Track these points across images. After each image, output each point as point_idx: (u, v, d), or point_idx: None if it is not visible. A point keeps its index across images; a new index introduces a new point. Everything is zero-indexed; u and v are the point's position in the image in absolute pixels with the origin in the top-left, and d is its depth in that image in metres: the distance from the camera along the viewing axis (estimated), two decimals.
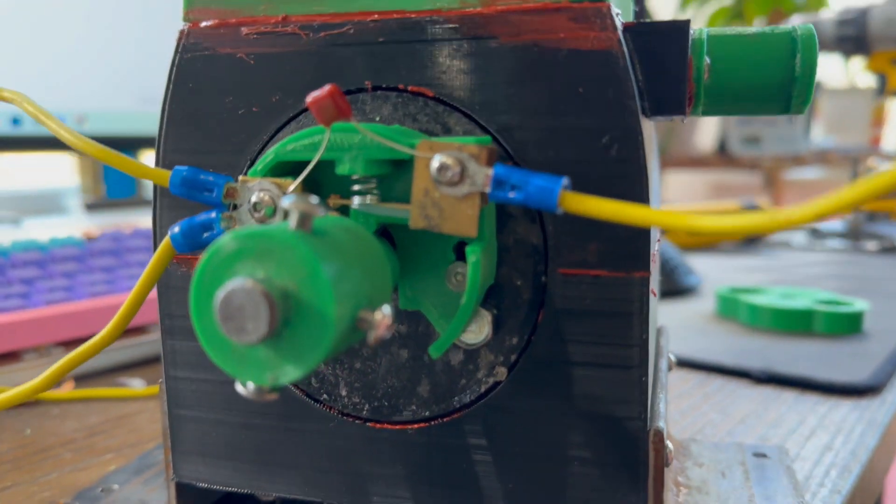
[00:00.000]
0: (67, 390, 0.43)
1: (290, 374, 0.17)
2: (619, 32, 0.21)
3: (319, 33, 0.23)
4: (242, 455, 0.26)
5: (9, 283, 0.47)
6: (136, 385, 0.44)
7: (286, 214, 0.17)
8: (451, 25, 0.22)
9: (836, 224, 1.04)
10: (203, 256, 0.17)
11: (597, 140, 0.21)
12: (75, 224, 0.82)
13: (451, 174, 0.19)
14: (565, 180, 0.19)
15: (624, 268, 0.21)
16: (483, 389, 0.23)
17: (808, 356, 0.47)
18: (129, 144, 0.79)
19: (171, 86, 0.24)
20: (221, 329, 0.16)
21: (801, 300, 0.55)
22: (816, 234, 1.02)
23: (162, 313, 0.26)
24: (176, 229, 0.22)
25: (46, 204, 1.18)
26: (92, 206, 1.09)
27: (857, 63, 1.68)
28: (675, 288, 0.67)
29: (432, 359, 0.21)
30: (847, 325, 0.52)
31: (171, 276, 0.25)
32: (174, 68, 0.24)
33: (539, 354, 0.22)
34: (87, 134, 0.71)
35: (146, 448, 0.35)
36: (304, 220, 0.17)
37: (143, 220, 0.85)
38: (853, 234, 1.00)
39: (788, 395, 0.42)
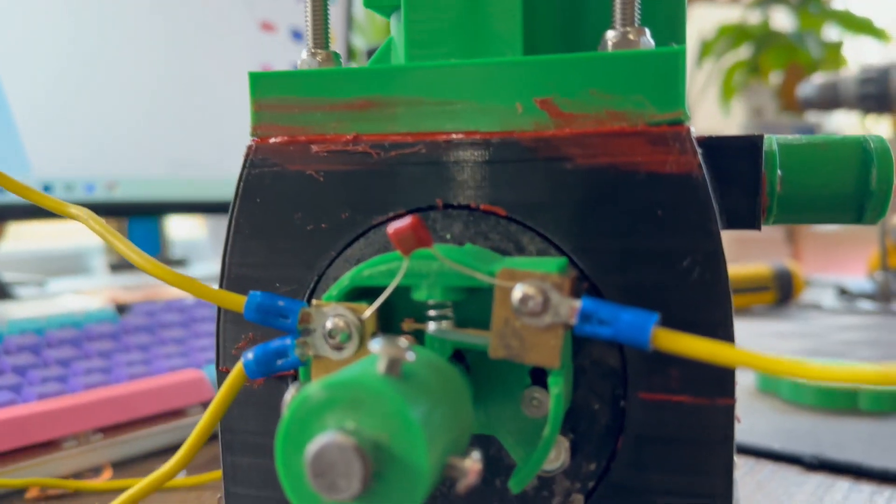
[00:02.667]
0: (107, 478, 0.42)
1: None
2: (699, 157, 0.20)
3: (391, 152, 0.23)
4: None
5: (46, 365, 0.47)
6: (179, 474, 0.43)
7: (362, 342, 0.17)
8: (525, 146, 0.22)
9: (864, 284, 1.03)
10: (290, 405, 0.16)
11: (678, 263, 0.21)
12: (101, 286, 0.82)
13: (534, 305, 0.19)
14: (657, 317, 0.18)
15: (707, 394, 0.21)
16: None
17: (858, 438, 0.46)
18: (158, 209, 0.80)
19: (238, 200, 0.24)
20: (312, 485, 0.16)
21: None
22: (845, 294, 1.01)
23: (222, 427, 0.25)
24: (250, 356, 0.21)
25: (71, 264, 1.19)
26: (116, 267, 1.10)
27: (874, 118, 1.69)
28: None
29: (511, 490, 0.21)
30: (893, 403, 0.51)
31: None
32: (242, 183, 0.24)
33: (618, 481, 0.22)
34: (119, 199, 0.72)
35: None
36: (393, 365, 0.17)
37: (170, 288, 0.84)
38: (883, 296, 0.99)
39: (843, 484, 0.41)
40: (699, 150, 0.21)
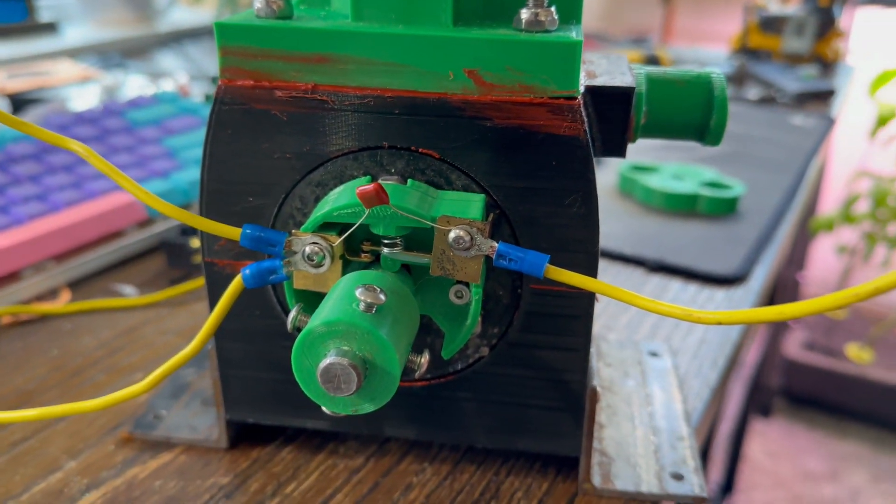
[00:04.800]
0: (65, 301, 0.49)
1: (367, 408, 0.25)
2: (586, 124, 0.27)
3: (345, 101, 0.28)
4: (284, 399, 0.34)
5: None
6: (129, 293, 0.50)
7: (333, 261, 0.25)
8: (454, 106, 0.27)
9: (723, 66, 1.13)
10: (300, 336, 0.24)
11: (564, 199, 0.28)
12: None
13: (463, 243, 0.26)
14: (548, 258, 0.26)
15: (583, 258, 0.29)
16: (471, 361, 0.32)
17: (693, 242, 0.58)
18: None
19: (211, 129, 0.29)
20: (322, 387, 0.24)
21: (689, 183, 0.66)
22: None
23: (210, 302, 0.32)
24: (247, 272, 0.28)
25: None
26: None
27: None
28: None
29: (443, 357, 0.30)
30: (725, 207, 0.63)
31: (219, 276, 0.32)
32: (214, 116, 0.29)
33: (512, 340, 0.31)
34: None
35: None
36: (370, 307, 0.24)
37: (66, 90, 0.83)
38: (738, 78, 1.10)
39: (675, 284, 0.53)
40: (585, 117, 0.27)
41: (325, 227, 0.28)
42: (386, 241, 0.28)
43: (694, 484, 0.33)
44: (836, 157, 2.09)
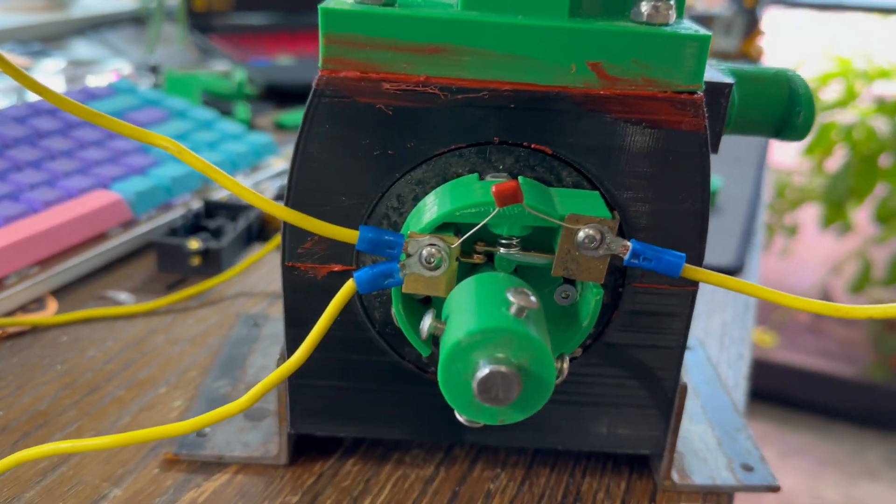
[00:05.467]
0: (53, 310, 0.44)
1: (516, 418, 0.23)
2: (706, 119, 0.27)
3: (458, 95, 0.26)
4: (356, 410, 0.32)
5: None
6: (124, 299, 0.46)
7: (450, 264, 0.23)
8: (575, 100, 0.26)
9: None
10: (448, 345, 0.22)
11: (678, 194, 0.28)
12: None
13: (593, 243, 0.25)
14: (685, 257, 0.26)
15: (680, 283, 0.29)
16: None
17: None
18: None
19: (307, 123, 0.27)
20: (477, 398, 0.22)
21: None
22: None
23: (288, 309, 0.30)
24: (363, 277, 0.26)
25: None
26: None
27: None
28: None
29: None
30: None
31: (300, 281, 0.29)
32: (312, 109, 0.27)
33: (608, 340, 0.30)
34: None
35: (188, 375, 0.40)
36: (522, 311, 0.23)
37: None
38: None
39: None
40: (707, 113, 0.27)
41: (441, 228, 0.26)
42: (503, 242, 0.26)
43: (765, 473, 0.34)
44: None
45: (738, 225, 0.61)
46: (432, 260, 0.26)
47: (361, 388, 0.32)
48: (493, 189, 0.24)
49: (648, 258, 0.26)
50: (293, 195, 0.28)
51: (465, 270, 0.27)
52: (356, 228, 0.26)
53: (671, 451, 0.33)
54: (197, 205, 0.53)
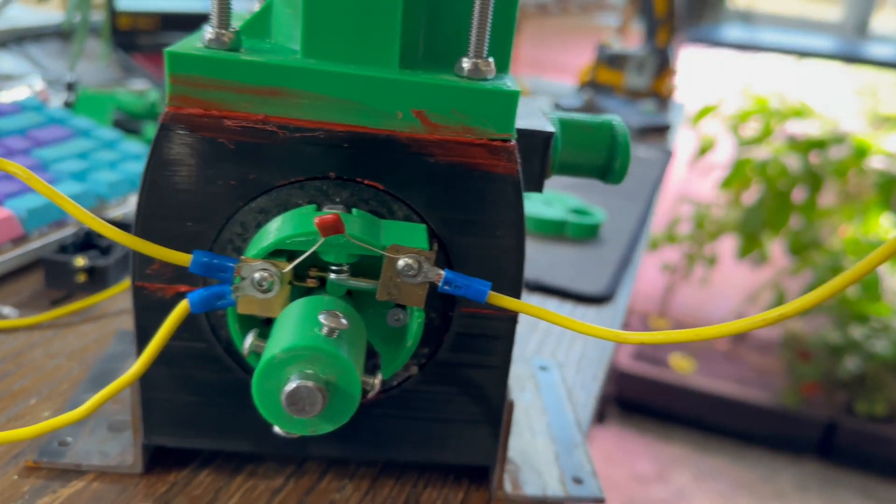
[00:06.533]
0: None
1: (326, 428, 0.26)
2: (519, 164, 0.30)
3: (295, 133, 0.29)
4: (204, 422, 0.34)
5: None
6: (9, 313, 0.47)
7: (281, 287, 0.26)
8: (402, 143, 0.29)
9: (575, 99, 1.22)
10: (262, 361, 0.25)
11: (496, 231, 0.31)
12: None
13: (411, 270, 0.28)
14: (491, 285, 0.29)
15: (503, 309, 0.32)
16: (401, 380, 0.34)
17: (564, 263, 0.63)
18: None
19: (154, 154, 0.29)
20: (286, 410, 0.25)
21: (557, 208, 0.71)
22: (559, 109, 1.19)
23: (138, 327, 0.32)
24: (195, 298, 0.28)
25: None
26: None
27: None
28: None
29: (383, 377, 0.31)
30: (588, 232, 0.69)
31: (149, 300, 0.31)
32: (157, 141, 0.29)
33: (441, 359, 0.33)
34: None
35: (60, 388, 0.41)
36: (333, 332, 0.25)
37: None
38: (587, 111, 1.19)
39: (552, 303, 0.58)
40: (519, 158, 0.30)
41: (273, 254, 0.29)
42: (334, 268, 0.29)
43: (593, 486, 0.37)
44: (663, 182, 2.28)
45: (616, 256, 0.65)
46: (264, 283, 0.28)
47: (211, 403, 0.34)
48: (316, 221, 0.26)
49: (459, 286, 0.29)
50: (141, 221, 0.30)
51: (301, 293, 0.30)
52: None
53: (502, 463, 0.35)
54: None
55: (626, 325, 1.36)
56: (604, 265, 0.63)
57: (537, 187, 0.34)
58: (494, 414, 0.34)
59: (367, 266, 0.30)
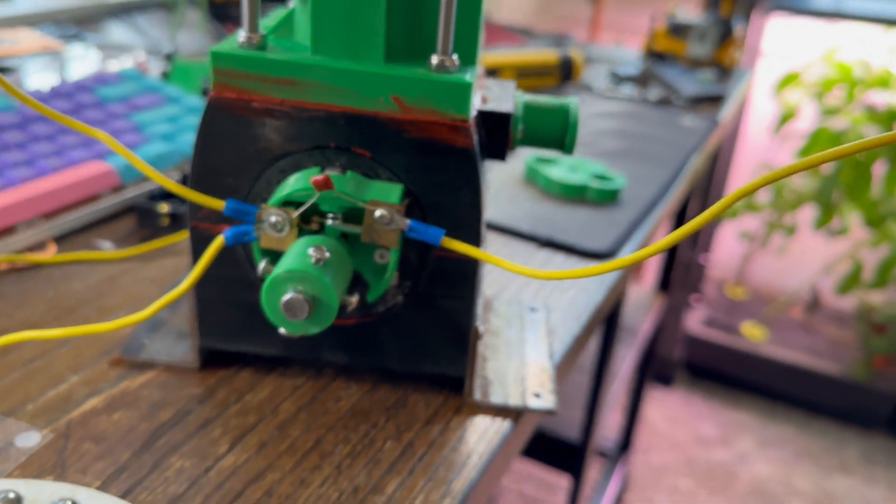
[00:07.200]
0: (52, 252, 0.58)
1: (313, 330, 0.36)
2: (475, 138, 0.39)
3: (304, 113, 0.39)
4: (245, 331, 0.45)
5: None
6: (108, 247, 0.60)
7: (291, 228, 0.36)
8: (382, 121, 0.39)
9: (632, 67, 1.26)
10: (269, 279, 0.35)
11: (458, 191, 0.40)
12: None
13: (385, 219, 0.38)
14: (444, 232, 0.38)
15: (469, 237, 0.41)
16: (389, 306, 0.43)
17: (579, 224, 0.71)
18: None
19: (202, 126, 0.39)
20: (283, 314, 0.35)
21: (581, 174, 0.78)
22: (615, 77, 1.24)
23: (193, 255, 0.43)
24: (228, 234, 0.38)
25: None
26: None
27: None
28: None
29: (367, 299, 0.41)
30: (609, 197, 0.76)
31: (201, 236, 0.42)
32: (204, 118, 0.39)
33: (421, 291, 0.43)
34: None
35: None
36: (319, 260, 0.35)
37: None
38: (643, 80, 1.23)
39: (560, 257, 0.66)
40: (475, 134, 0.39)
41: (286, 203, 0.38)
42: (330, 216, 0.39)
43: (548, 401, 0.46)
44: (744, 151, 2.27)
45: (628, 219, 0.72)
46: (278, 225, 0.38)
47: (249, 317, 0.44)
48: (311, 180, 0.36)
49: (419, 232, 0.38)
50: (194, 177, 0.40)
51: (307, 234, 0.39)
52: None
53: (470, 376, 0.45)
54: (176, 176, 0.67)
55: (637, 278, 1.41)
56: (614, 227, 0.71)
57: (501, 157, 0.42)
58: (464, 336, 0.44)
59: (356, 215, 0.39)
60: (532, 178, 0.80)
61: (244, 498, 0.38)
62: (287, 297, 0.35)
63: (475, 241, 0.41)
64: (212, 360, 0.47)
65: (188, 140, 0.71)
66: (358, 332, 0.44)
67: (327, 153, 0.40)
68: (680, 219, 1.47)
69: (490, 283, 0.60)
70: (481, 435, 0.44)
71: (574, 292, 0.60)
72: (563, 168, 0.80)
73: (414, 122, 0.38)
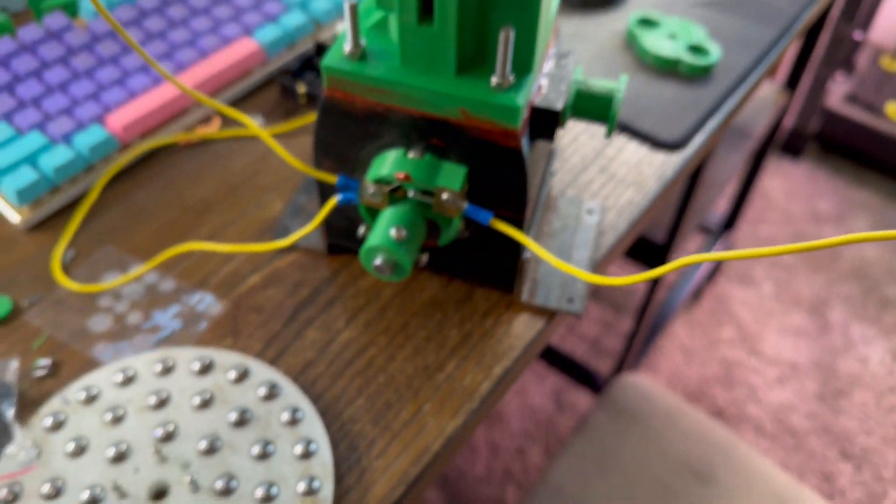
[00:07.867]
0: (217, 126, 0.74)
1: (394, 278, 0.52)
2: (524, 142, 0.49)
3: (393, 114, 0.50)
4: (357, 234, 0.61)
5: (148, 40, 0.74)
6: (259, 122, 0.75)
7: (384, 199, 0.50)
8: (453, 124, 0.50)
9: None
10: (363, 248, 0.50)
11: (505, 180, 0.51)
12: None
13: (450, 202, 0.51)
14: (492, 214, 0.50)
15: (516, 212, 0.54)
16: (460, 237, 0.57)
17: (665, 103, 0.78)
18: None
19: (319, 120, 0.52)
20: (374, 272, 0.51)
21: (678, 44, 0.83)
22: None
23: (320, 192, 0.58)
24: (341, 198, 0.53)
25: None
26: None
27: None
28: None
29: (440, 243, 0.55)
30: (701, 72, 0.81)
31: (327, 191, 0.57)
32: (321, 112, 0.52)
33: (480, 230, 0.56)
34: None
35: (288, 186, 0.69)
36: (398, 237, 0.50)
37: None
38: None
39: (632, 145, 0.75)
40: (525, 140, 0.49)
41: (379, 181, 0.52)
42: (411, 191, 0.52)
43: (578, 306, 0.61)
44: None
45: (709, 103, 0.78)
46: (375, 196, 0.52)
47: (355, 225, 0.60)
48: (395, 175, 0.49)
49: (474, 213, 0.51)
50: (315, 157, 0.54)
51: (397, 200, 0.53)
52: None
53: (519, 286, 0.60)
54: (310, 44, 0.79)
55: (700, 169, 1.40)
56: (694, 111, 0.77)
57: (549, 139, 0.53)
58: (514, 261, 0.58)
59: (431, 191, 0.52)
60: (631, 42, 0.85)
61: (353, 366, 0.57)
62: (376, 262, 0.50)
63: (520, 218, 0.53)
64: (335, 247, 0.64)
65: (323, 8, 0.82)
66: (441, 252, 0.59)
67: (412, 140, 0.52)
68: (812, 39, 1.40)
69: (560, 178, 0.72)
70: (522, 330, 0.60)
71: (633, 191, 0.71)
72: (662, 34, 0.84)
73: (476, 127, 0.49)
